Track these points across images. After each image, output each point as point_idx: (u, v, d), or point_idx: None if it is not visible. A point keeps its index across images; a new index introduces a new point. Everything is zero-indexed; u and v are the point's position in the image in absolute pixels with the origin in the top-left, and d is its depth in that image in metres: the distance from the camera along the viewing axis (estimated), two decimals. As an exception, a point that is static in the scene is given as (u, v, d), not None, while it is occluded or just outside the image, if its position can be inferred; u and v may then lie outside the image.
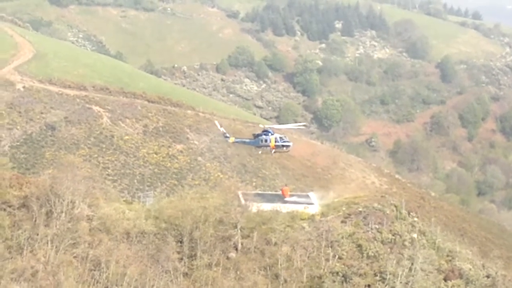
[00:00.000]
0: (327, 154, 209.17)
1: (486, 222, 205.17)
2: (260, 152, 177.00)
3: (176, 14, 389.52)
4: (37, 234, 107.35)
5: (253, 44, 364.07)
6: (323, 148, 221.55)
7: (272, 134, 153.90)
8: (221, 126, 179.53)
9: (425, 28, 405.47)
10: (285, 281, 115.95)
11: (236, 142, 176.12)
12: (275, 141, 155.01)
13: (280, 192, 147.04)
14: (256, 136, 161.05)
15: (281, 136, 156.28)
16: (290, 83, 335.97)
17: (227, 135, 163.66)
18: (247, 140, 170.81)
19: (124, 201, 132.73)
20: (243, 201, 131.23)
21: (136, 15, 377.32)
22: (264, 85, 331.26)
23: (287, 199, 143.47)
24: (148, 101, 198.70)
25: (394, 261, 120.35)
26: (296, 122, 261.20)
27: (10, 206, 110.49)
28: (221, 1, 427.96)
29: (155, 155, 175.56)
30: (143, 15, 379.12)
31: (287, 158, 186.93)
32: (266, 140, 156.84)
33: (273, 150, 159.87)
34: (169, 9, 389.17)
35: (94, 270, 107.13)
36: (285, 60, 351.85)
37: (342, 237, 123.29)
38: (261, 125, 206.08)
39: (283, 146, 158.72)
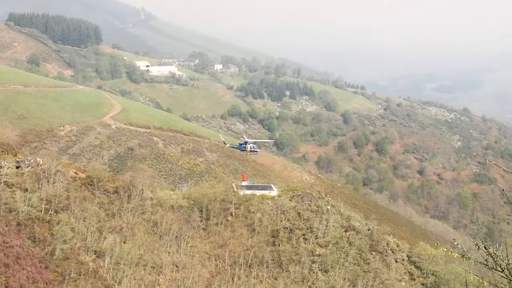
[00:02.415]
0: (281, 163, 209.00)
1: (368, 200, 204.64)
2: (242, 153, 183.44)
3: (199, 87, 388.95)
4: (123, 207, 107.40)
5: (241, 104, 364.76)
6: (279, 160, 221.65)
7: (248, 144, 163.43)
8: (223, 139, 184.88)
9: (335, 94, 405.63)
10: (258, 232, 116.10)
11: (231, 147, 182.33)
12: (250, 148, 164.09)
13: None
14: (241, 144, 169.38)
15: (253, 145, 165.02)
16: (261, 125, 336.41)
17: (226, 142, 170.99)
18: (236, 146, 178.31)
19: (170, 189, 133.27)
20: (235, 189, 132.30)
21: (177, 88, 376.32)
22: (247, 126, 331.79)
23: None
24: (184, 134, 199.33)
25: (318, 221, 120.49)
26: (265, 145, 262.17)
27: (108, 192, 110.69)
28: (224, 80, 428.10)
29: (187, 164, 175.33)
30: (182, 87, 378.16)
31: (259, 165, 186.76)
32: (245, 147, 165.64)
33: (249, 153, 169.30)
34: (195, 84, 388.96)
35: (154, 227, 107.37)
36: (258, 112, 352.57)
37: (289, 208, 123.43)
38: (242, 138, 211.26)
39: (254, 150, 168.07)
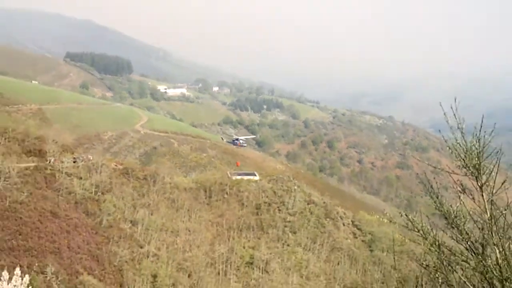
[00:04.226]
0: (261, 157, 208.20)
1: (323, 182, 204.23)
2: (234, 146, 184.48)
3: (202, 103, 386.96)
4: (150, 189, 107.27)
5: (232, 115, 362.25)
6: (260, 154, 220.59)
7: (238, 140, 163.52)
8: (221, 136, 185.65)
9: (298, 107, 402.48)
10: (246, 205, 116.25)
11: (227, 142, 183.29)
12: (240, 143, 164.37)
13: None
14: (233, 140, 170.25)
15: (242, 140, 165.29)
16: (247, 129, 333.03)
17: (223, 138, 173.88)
18: (230, 141, 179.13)
19: (183, 176, 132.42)
20: (229, 175, 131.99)
21: (187, 104, 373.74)
22: (236, 130, 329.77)
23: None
24: (192, 137, 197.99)
25: (288, 197, 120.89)
26: (250, 144, 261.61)
27: (139, 178, 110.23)
28: (219, 98, 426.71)
29: (195, 158, 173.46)
30: (190, 104, 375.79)
31: (246, 158, 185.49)
32: (236, 142, 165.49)
33: (239, 146, 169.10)
34: (199, 101, 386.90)
35: (172, 203, 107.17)
36: (245, 120, 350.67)
37: (268, 188, 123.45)
38: (234, 136, 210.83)
39: (243, 145, 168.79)
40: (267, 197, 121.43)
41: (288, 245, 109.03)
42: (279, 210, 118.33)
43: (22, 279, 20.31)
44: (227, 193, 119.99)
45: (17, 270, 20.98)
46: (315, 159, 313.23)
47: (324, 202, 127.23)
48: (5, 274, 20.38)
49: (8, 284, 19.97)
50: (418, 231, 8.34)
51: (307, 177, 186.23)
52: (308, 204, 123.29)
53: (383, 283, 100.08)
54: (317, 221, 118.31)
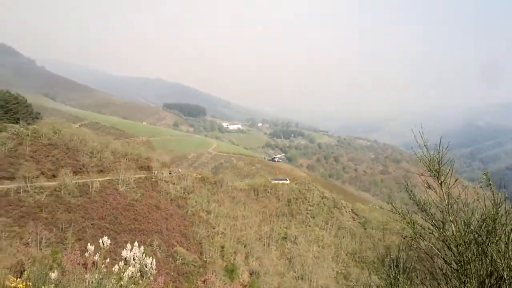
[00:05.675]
0: (290, 168, 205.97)
1: (331, 184, 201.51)
2: (272, 162, 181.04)
3: (251, 134, 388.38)
4: (218, 190, 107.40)
5: (271, 141, 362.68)
6: (289, 166, 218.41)
7: (275, 157, 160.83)
8: (264, 156, 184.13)
9: (314, 135, 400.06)
10: (281, 200, 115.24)
11: (267, 159, 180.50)
12: (277, 160, 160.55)
13: (284, 178, 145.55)
14: (272, 158, 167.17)
15: (278, 158, 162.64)
16: (281, 150, 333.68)
17: (265, 157, 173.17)
18: (270, 158, 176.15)
19: (240, 181, 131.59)
20: (270, 180, 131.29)
21: (242, 135, 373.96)
22: (274, 151, 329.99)
23: (278, 177, 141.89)
24: (245, 155, 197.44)
25: (309, 194, 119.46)
26: (282, 160, 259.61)
27: (211, 183, 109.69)
28: (263, 130, 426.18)
29: (247, 169, 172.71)
30: (243, 134, 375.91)
31: (280, 169, 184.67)
32: (274, 159, 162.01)
33: (276, 162, 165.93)
34: (250, 133, 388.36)
35: (233, 199, 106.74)
36: (279, 144, 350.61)
37: (295, 188, 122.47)
38: (272, 155, 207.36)
39: (278, 161, 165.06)
40: (294, 194, 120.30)
41: (309, 226, 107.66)
42: (303, 202, 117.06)
43: (138, 249, 21.01)
44: (268, 192, 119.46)
45: (136, 243, 21.81)
46: (326, 169, 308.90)
47: (332, 197, 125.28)
48: (128, 245, 21.21)
49: (130, 252, 20.80)
50: (399, 213, 8.33)
51: (321, 181, 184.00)
52: (322, 198, 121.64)
53: (372, 250, 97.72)
54: (328, 209, 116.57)
